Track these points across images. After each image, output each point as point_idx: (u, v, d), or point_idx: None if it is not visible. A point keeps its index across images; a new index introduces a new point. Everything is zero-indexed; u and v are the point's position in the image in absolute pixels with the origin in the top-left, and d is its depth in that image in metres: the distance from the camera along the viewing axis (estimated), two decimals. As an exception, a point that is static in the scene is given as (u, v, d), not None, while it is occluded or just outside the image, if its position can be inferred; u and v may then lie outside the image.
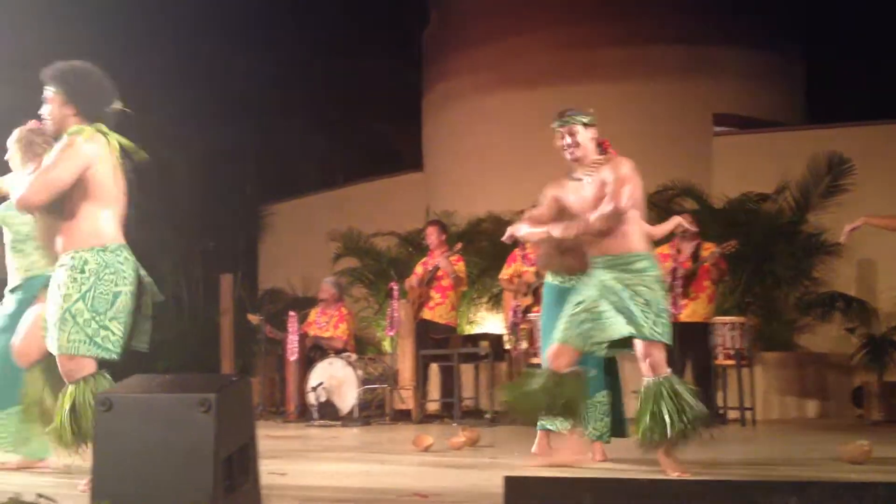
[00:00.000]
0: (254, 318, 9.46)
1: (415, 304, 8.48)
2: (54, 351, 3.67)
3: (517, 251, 7.84)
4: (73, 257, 3.69)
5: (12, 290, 4.58)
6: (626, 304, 4.19)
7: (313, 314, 9.26)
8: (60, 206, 3.73)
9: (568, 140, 4.42)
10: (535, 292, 7.85)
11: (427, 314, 8.39)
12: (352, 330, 9.27)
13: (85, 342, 3.61)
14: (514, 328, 7.83)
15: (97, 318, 3.63)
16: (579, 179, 4.44)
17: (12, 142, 4.60)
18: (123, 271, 3.73)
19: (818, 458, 5.18)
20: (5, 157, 4.61)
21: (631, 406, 4.67)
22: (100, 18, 10.00)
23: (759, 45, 10.99)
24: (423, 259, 8.56)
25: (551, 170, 10.59)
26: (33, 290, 4.48)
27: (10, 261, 4.60)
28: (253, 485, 2.94)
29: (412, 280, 8.47)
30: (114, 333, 3.66)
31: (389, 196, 12.17)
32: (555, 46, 10.93)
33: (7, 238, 4.63)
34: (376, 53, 13.53)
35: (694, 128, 10.31)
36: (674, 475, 4.01)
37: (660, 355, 4.20)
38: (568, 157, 4.44)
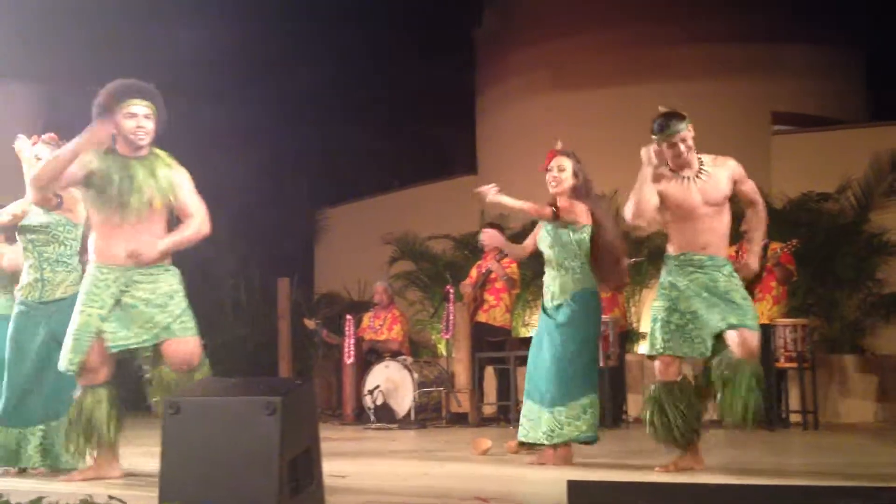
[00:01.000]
0: (310, 323, 9.57)
1: (470, 307, 8.48)
2: (184, 334, 4.12)
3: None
4: (167, 268, 4.26)
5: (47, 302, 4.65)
6: (714, 299, 4.40)
7: (367, 318, 9.32)
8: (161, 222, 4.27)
9: (682, 147, 4.50)
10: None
11: (482, 317, 8.38)
12: (406, 332, 9.32)
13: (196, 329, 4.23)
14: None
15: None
16: (685, 178, 4.52)
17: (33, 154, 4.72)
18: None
19: (885, 464, 5.07)
20: (32, 167, 4.68)
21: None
22: (163, 25, 10.19)
23: (820, 42, 10.81)
24: (478, 262, 8.56)
25: (605, 171, 10.56)
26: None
27: (50, 275, 4.66)
28: (317, 487, 2.97)
29: (467, 283, 8.47)
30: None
31: (444, 199, 12.19)
32: (611, 46, 10.87)
33: (51, 252, 4.67)
34: (430, 56, 13.56)
35: (753, 126, 10.17)
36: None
37: (756, 341, 4.40)
38: (677, 165, 4.52)
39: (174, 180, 4.26)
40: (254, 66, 12.16)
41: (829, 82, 10.91)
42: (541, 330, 5.08)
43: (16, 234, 4.81)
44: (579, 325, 4.96)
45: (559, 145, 5.21)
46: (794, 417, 7.58)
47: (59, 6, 9.08)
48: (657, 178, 4.52)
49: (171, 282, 4.24)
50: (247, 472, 2.76)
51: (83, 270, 4.54)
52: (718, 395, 4.48)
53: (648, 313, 9.39)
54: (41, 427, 4.54)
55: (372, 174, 14.79)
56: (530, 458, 4.99)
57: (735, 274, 4.51)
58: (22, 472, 4.58)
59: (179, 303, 4.21)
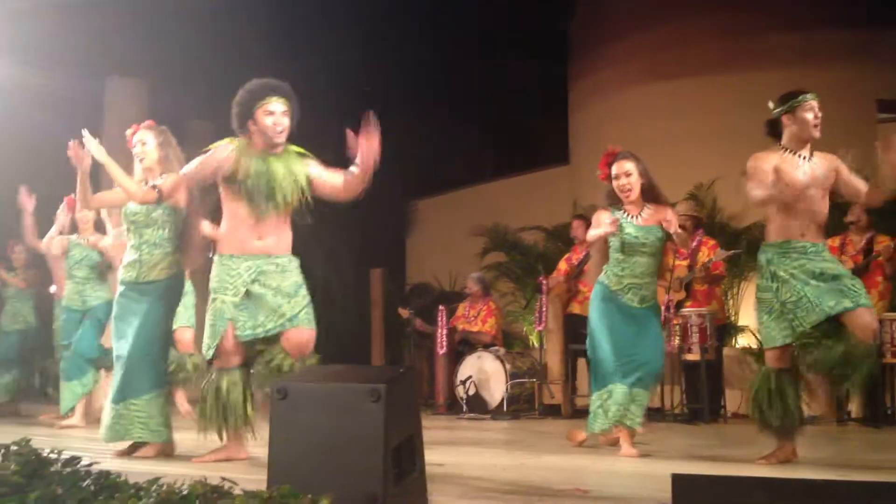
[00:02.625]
0: (404, 312, 9.66)
1: (563, 299, 8.43)
2: (308, 325, 4.37)
3: (669, 244, 7.64)
4: (291, 259, 4.50)
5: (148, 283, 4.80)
6: (823, 284, 4.39)
7: (461, 308, 9.36)
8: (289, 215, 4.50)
9: (811, 116, 4.57)
10: (688, 287, 7.68)
11: (576, 308, 8.31)
12: (500, 324, 9.32)
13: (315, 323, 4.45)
14: (665, 323, 7.65)
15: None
16: (802, 157, 4.55)
17: (154, 139, 4.88)
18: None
19: None
20: (138, 153, 4.85)
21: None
22: (265, 23, 10.41)
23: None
24: (567, 255, 8.48)
25: (699, 162, 10.37)
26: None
27: (153, 258, 4.81)
28: (419, 474, 3.00)
29: (556, 277, 8.39)
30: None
31: (536, 190, 12.15)
32: (706, 35, 10.64)
33: (149, 235, 4.81)
34: (522, 47, 13.49)
35: (857, 115, 9.81)
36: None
37: (869, 321, 4.38)
38: (813, 133, 4.57)
39: (310, 174, 4.48)
40: (348, 58, 12.30)
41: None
42: (611, 324, 5.01)
43: (121, 216, 5.00)
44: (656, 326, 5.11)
45: (615, 147, 5.15)
46: (900, 416, 7.31)
47: (164, 7, 9.35)
48: (772, 154, 4.55)
49: (297, 272, 4.46)
50: (352, 458, 2.80)
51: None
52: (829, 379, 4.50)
53: (747, 306, 9.21)
54: (135, 401, 4.69)
55: (463, 166, 14.80)
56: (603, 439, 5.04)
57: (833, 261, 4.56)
58: (131, 449, 4.75)
59: (305, 295, 4.43)
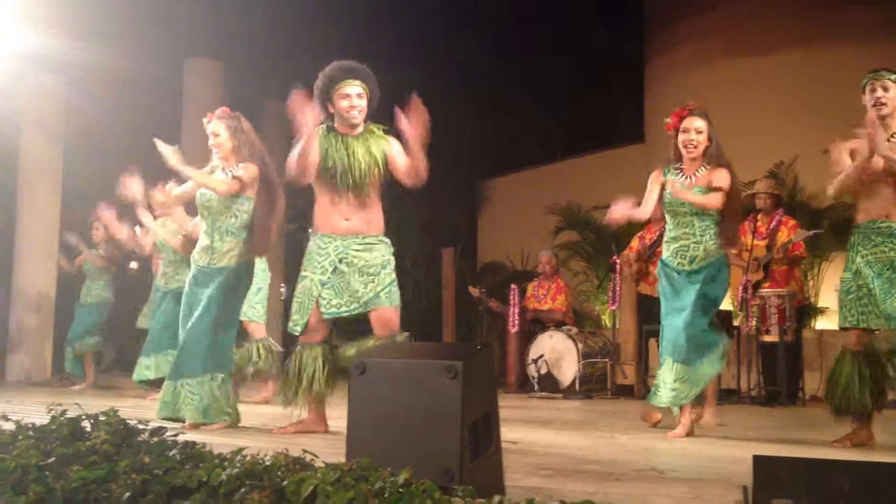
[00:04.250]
0: (475, 291, 9.68)
1: (634, 279, 8.34)
2: (389, 304, 4.48)
3: (747, 224, 7.51)
4: (382, 238, 4.60)
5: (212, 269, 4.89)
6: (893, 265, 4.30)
7: (531, 288, 9.34)
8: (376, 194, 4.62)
9: (881, 94, 4.42)
10: (766, 267, 7.53)
11: (646, 289, 8.22)
12: (570, 302, 9.28)
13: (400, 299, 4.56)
14: (743, 304, 7.54)
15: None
16: (888, 139, 4.38)
17: (226, 129, 4.96)
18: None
19: None
20: (212, 144, 4.94)
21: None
22: (339, 1, 10.49)
23: None
24: (640, 233, 8.37)
25: (782, 140, 10.14)
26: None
27: (225, 244, 4.89)
28: (496, 451, 3.01)
29: (627, 254, 8.30)
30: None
31: (610, 169, 12.03)
32: (783, 11, 10.40)
33: (222, 221, 4.90)
34: (598, 24, 13.33)
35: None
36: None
37: None
38: (879, 111, 4.41)
39: (389, 153, 4.56)
40: (422, 35, 12.31)
41: None
42: (671, 293, 4.90)
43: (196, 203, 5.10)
44: (721, 289, 4.89)
45: (692, 104, 4.99)
46: None
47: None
48: (859, 135, 4.41)
49: (384, 252, 4.55)
50: (429, 433, 2.82)
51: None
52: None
53: (827, 287, 8.99)
54: (189, 381, 4.78)
55: (537, 144, 14.73)
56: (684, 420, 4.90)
57: None
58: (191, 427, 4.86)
59: (390, 273, 4.53)
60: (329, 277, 4.49)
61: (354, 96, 4.50)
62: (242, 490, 2.21)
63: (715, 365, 4.80)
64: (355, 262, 4.48)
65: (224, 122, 4.97)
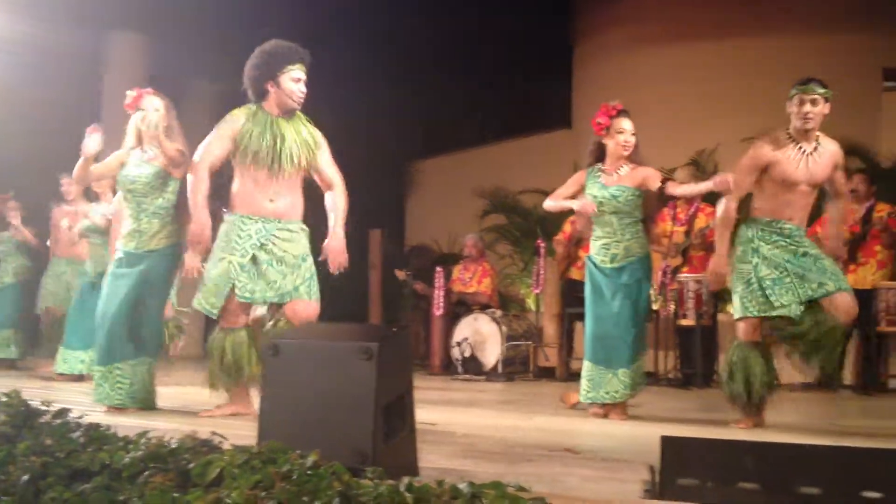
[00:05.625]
0: (401, 274, 9.67)
1: (562, 264, 8.43)
2: (308, 298, 4.43)
3: (667, 211, 7.65)
4: (302, 227, 4.52)
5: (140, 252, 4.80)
6: (803, 266, 4.47)
7: (457, 271, 9.36)
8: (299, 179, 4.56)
9: (809, 108, 4.50)
10: (685, 253, 7.68)
11: (575, 274, 8.31)
12: (495, 285, 9.33)
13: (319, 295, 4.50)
14: (662, 289, 7.68)
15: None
16: (802, 151, 4.55)
17: (164, 107, 4.90)
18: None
19: None
20: (151, 119, 4.85)
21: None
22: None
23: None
24: (571, 217, 8.44)
25: (705, 129, 10.31)
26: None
27: (153, 227, 4.80)
28: (409, 433, 3.01)
29: (560, 240, 8.39)
30: None
31: (538, 153, 12.10)
32: (714, -1, 10.56)
33: (148, 203, 4.80)
34: (526, 7, 13.35)
35: (863, 82, 9.76)
36: None
37: (852, 304, 4.48)
38: (802, 124, 4.52)
39: (318, 141, 4.57)
40: (348, 15, 12.18)
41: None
42: (598, 292, 5.03)
43: (116, 185, 4.99)
44: (644, 288, 5.02)
45: (618, 103, 5.13)
46: (894, 382, 7.35)
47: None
48: (775, 141, 4.55)
49: (305, 243, 4.52)
50: (343, 415, 2.81)
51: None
52: (800, 356, 4.58)
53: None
54: (120, 365, 4.70)
55: (465, 127, 14.73)
56: (593, 410, 5.03)
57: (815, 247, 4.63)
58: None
59: (309, 267, 4.50)
60: (247, 262, 4.42)
61: (303, 81, 4.48)
62: (146, 473, 2.17)
63: (626, 386, 4.92)
64: (275, 251, 4.42)
65: (162, 100, 4.91)
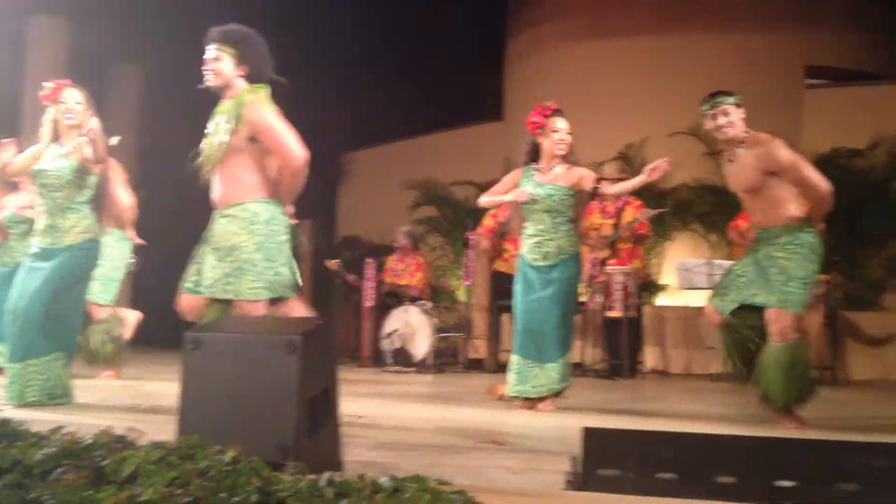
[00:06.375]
0: (332, 264, 9.60)
1: (489, 256, 8.47)
2: (227, 297, 3.92)
3: (595, 204, 7.75)
4: (243, 209, 3.95)
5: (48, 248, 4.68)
6: (761, 273, 4.48)
7: (390, 262, 9.34)
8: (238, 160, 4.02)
9: (722, 120, 4.54)
10: (613, 245, 7.79)
11: (501, 266, 8.37)
12: (428, 278, 9.34)
13: (265, 288, 3.91)
14: (590, 281, 7.78)
15: (272, 266, 3.93)
16: (730, 161, 4.60)
17: (84, 101, 4.77)
18: (283, 220, 4.04)
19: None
20: (73, 111, 4.72)
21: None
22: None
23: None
24: (492, 211, 8.48)
25: (634, 123, 10.45)
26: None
27: (61, 221, 4.68)
28: (334, 427, 3.00)
29: (482, 233, 8.42)
30: (284, 276, 3.99)
31: (469, 146, 12.12)
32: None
33: (62, 198, 4.67)
34: (460, 0, 13.36)
35: (786, 79, 9.99)
36: (794, 430, 4.30)
37: (788, 323, 4.42)
38: (721, 136, 4.58)
39: (249, 119, 4.09)
40: (282, 5, 12.03)
41: (865, 36, 10.66)
42: (528, 288, 5.08)
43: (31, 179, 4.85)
44: (574, 285, 5.09)
45: (555, 104, 5.21)
46: (814, 373, 7.56)
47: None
48: (724, 156, 4.65)
49: (238, 229, 4.01)
50: (265, 410, 2.78)
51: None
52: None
53: (669, 265, 9.38)
54: (34, 361, 4.57)
55: (397, 119, 14.68)
56: (519, 404, 5.07)
57: (790, 245, 4.46)
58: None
59: (249, 256, 4.01)
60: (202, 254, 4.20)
61: (209, 60, 4.20)
62: (59, 470, 2.12)
63: (553, 380, 4.97)
64: (215, 238, 4.10)
65: (83, 93, 4.78)
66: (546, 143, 5.12)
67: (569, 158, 5.12)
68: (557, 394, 5.04)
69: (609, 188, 5.12)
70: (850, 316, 8.38)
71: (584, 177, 5.03)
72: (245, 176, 4.02)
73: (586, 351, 7.94)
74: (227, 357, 2.89)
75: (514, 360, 5.08)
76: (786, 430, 4.25)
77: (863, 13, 10.57)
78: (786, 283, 4.41)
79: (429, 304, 8.73)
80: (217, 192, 4.07)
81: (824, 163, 9.15)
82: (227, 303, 3.97)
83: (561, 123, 5.11)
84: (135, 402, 4.69)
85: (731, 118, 4.52)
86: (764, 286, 4.47)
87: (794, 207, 4.50)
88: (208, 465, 2.16)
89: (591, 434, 2.84)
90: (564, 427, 4.14)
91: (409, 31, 14.01)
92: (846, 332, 8.13)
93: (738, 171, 4.55)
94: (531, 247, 5.11)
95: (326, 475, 2.20)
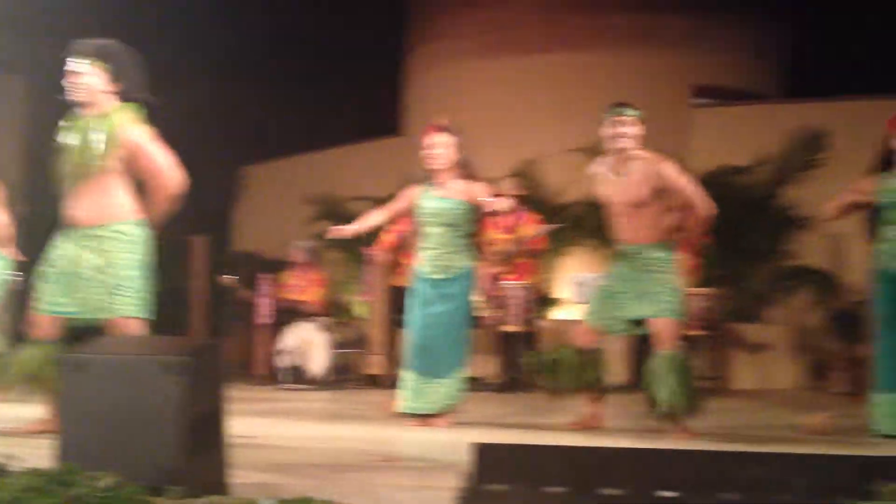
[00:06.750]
0: (226, 281, 9.43)
1: (387, 271, 8.45)
2: (106, 315, 3.91)
3: (489, 219, 7.80)
4: (118, 229, 3.96)
5: None
6: (639, 287, 4.68)
7: (287, 277, 9.23)
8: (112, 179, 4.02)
9: (620, 129, 4.70)
10: (509, 260, 7.87)
11: (400, 281, 8.34)
12: (325, 294, 9.26)
13: (142, 307, 3.97)
14: (486, 296, 7.83)
15: (145, 286, 4.02)
16: (619, 175, 4.76)
17: None
18: (151, 243, 4.11)
19: (782, 428, 5.27)
20: None
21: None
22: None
23: (743, 17, 10.95)
24: (392, 226, 8.45)
25: (530, 139, 10.60)
26: None
27: None
28: (220, 449, 2.93)
29: (379, 249, 8.41)
30: (149, 298, 4.06)
31: (368, 161, 12.10)
32: (540, 14, 10.85)
33: None
34: (360, 14, 13.34)
35: (673, 99, 10.29)
36: (685, 441, 4.47)
37: (673, 331, 4.65)
38: (615, 144, 4.74)
39: (122, 140, 4.08)
40: (175, 15, 11.80)
41: (750, 58, 11.08)
42: (423, 302, 5.11)
43: None
44: (469, 300, 5.16)
45: (438, 121, 5.30)
46: (702, 384, 7.78)
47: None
48: (599, 165, 4.86)
49: (120, 250, 4.05)
50: (148, 433, 2.71)
51: None
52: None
53: (566, 279, 9.54)
54: None
55: (296, 133, 14.54)
56: (413, 422, 5.05)
57: (663, 260, 4.73)
58: None
59: (130, 275, 4.05)
60: (54, 273, 4.13)
61: (72, 73, 4.11)
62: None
63: (447, 396, 5.01)
64: (92, 259, 4.06)
65: None
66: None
67: (466, 174, 5.15)
68: (452, 409, 5.05)
69: (493, 205, 5.13)
70: (734, 328, 8.68)
71: (478, 191, 5.07)
72: (118, 196, 4.03)
73: (483, 365, 7.99)
74: (108, 379, 2.81)
75: (408, 376, 5.07)
76: (672, 441, 4.36)
77: (745, 35, 10.99)
78: (669, 293, 4.66)
79: (326, 320, 8.65)
80: (84, 210, 4.02)
81: (710, 180, 9.49)
82: (91, 322, 3.91)
83: (432, 139, 5.14)
84: (14, 425, 4.49)
85: (630, 130, 4.69)
86: (648, 299, 4.66)
87: (665, 225, 4.75)
88: (84, 493, 2.08)
89: (480, 449, 2.85)
90: (458, 442, 4.13)
91: (309, 45, 13.92)
92: (731, 344, 8.41)
93: (628, 186, 4.69)
94: (427, 261, 5.12)
95: (208, 498, 2.15)
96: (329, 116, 14.49)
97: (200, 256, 9.75)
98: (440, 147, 5.11)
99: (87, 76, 4.08)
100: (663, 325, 4.66)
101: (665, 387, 4.56)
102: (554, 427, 4.91)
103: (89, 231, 4.02)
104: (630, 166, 4.73)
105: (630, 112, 4.72)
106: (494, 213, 5.13)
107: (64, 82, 4.11)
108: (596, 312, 4.83)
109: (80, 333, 4.16)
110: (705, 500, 2.74)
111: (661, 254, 4.73)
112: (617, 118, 4.72)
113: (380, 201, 10.92)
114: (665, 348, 4.64)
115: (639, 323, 4.79)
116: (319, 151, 13.22)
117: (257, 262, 11.57)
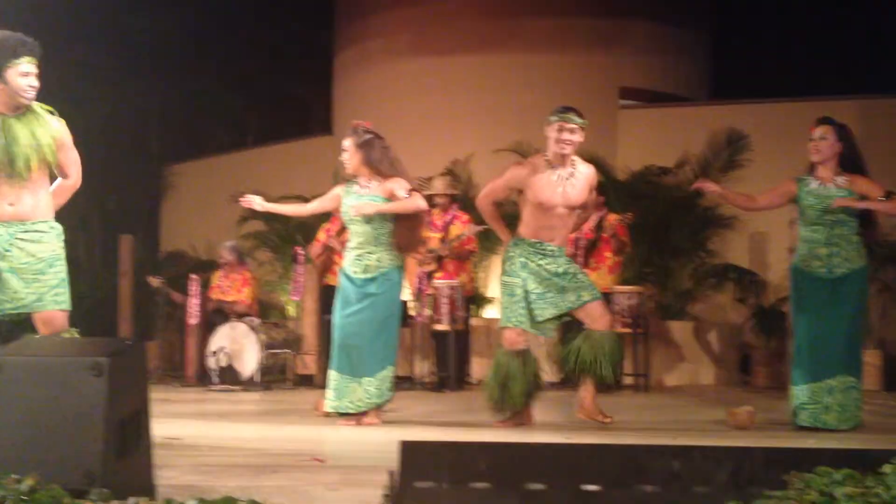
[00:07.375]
0: (154, 281, 9.28)
1: (319, 270, 8.43)
2: (54, 308, 3.94)
3: (423, 217, 7.83)
4: (52, 226, 4.05)
5: None
6: (563, 282, 4.83)
7: (216, 278, 9.13)
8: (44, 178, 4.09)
9: (567, 136, 4.80)
10: (440, 259, 7.92)
11: (332, 280, 8.33)
12: (255, 294, 9.18)
13: (68, 300, 4.00)
14: (418, 295, 7.88)
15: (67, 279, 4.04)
16: (558, 175, 4.84)
17: None
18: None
19: (706, 423, 5.41)
20: None
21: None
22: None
23: (667, 20, 11.17)
24: (325, 225, 8.45)
25: (460, 139, 10.66)
26: None
27: None
28: (146, 450, 2.90)
29: (315, 246, 8.38)
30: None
31: (298, 159, 12.01)
32: (469, 15, 10.91)
33: None
34: (288, 12, 13.25)
35: (601, 100, 10.45)
36: (604, 420, 4.86)
37: (603, 310, 4.93)
38: (560, 150, 4.82)
39: (55, 138, 4.10)
40: (102, 10, 11.56)
41: (675, 60, 11.31)
42: (345, 302, 5.14)
43: None
44: (394, 299, 5.17)
45: (355, 122, 5.45)
46: (628, 380, 7.93)
47: None
48: (533, 167, 4.87)
49: (54, 245, 4.06)
50: (71, 435, 2.67)
51: None
52: (577, 362, 4.88)
53: (496, 278, 9.63)
54: None
55: (225, 131, 14.39)
56: (341, 422, 5.05)
57: (563, 259, 4.97)
58: None
59: (58, 272, 4.04)
60: None
61: (34, 75, 4.03)
62: None
63: (370, 395, 5.00)
64: (20, 256, 3.97)
65: None
66: None
67: (385, 171, 5.17)
68: (379, 407, 5.06)
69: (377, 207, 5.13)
70: (661, 325, 8.87)
71: (395, 187, 5.08)
72: (46, 193, 4.09)
73: (415, 364, 8.03)
74: (29, 381, 2.76)
75: (332, 375, 5.09)
76: (593, 435, 4.46)
77: (669, 38, 11.22)
78: (587, 278, 5.00)
79: (256, 321, 8.59)
80: (24, 206, 4.01)
81: (638, 180, 9.69)
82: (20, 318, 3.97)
83: (343, 143, 5.31)
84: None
85: (574, 138, 4.80)
86: (578, 290, 4.82)
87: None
88: (4, 496, 2.05)
89: (407, 447, 2.87)
90: (387, 441, 4.15)
91: (238, 43, 13.79)
92: (657, 340, 8.59)
93: (573, 188, 4.82)
94: (352, 259, 5.14)
95: (132, 500, 2.14)
96: (259, 114, 14.39)
97: (127, 256, 9.57)
98: (345, 150, 5.23)
99: (38, 78, 4.06)
100: (601, 307, 4.90)
101: (609, 359, 4.81)
102: (483, 424, 4.96)
103: (31, 226, 4.01)
104: (574, 171, 4.85)
105: (578, 120, 4.83)
106: (417, 211, 5.16)
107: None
108: (519, 315, 4.88)
109: (9, 333, 4.10)
110: (627, 493, 2.81)
111: (564, 255, 4.99)
112: (566, 124, 4.81)
113: (309, 199, 10.92)
114: (608, 327, 4.90)
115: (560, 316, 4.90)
116: (249, 149, 13.11)
117: (186, 262, 11.43)
